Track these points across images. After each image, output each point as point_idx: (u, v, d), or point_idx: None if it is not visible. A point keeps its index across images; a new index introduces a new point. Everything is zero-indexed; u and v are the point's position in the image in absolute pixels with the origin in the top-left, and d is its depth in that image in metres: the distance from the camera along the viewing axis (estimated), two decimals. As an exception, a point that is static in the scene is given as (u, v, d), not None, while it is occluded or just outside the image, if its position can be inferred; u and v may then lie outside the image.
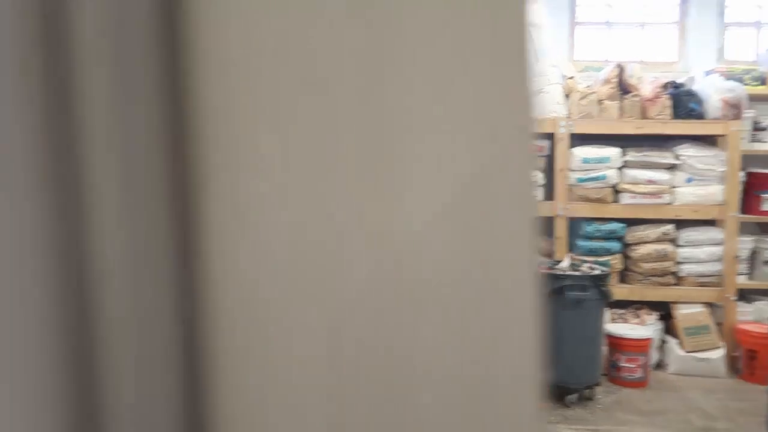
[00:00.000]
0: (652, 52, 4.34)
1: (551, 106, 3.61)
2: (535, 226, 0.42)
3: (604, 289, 3.04)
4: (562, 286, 2.98)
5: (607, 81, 3.69)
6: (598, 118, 3.62)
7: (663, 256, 3.57)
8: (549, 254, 3.55)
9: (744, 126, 3.74)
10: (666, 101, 3.63)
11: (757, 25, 4.32)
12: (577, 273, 3.09)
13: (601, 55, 4.32)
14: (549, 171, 3.63)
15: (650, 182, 3.60)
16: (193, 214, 0.37)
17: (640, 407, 3.07)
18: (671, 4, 4.31)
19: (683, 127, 3.60)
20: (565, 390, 2.97)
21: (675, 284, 3.62)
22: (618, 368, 3.33)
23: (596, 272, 3.09)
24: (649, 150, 3.62)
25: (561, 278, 3.01)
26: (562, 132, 3.57)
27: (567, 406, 2.98)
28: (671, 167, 3.62)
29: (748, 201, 3.89)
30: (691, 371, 3.45)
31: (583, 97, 3.62)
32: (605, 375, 3.33)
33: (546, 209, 3.58)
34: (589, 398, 3.08)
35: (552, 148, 3.60)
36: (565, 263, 3.21)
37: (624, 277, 3.68)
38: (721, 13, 4.26)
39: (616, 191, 3.63)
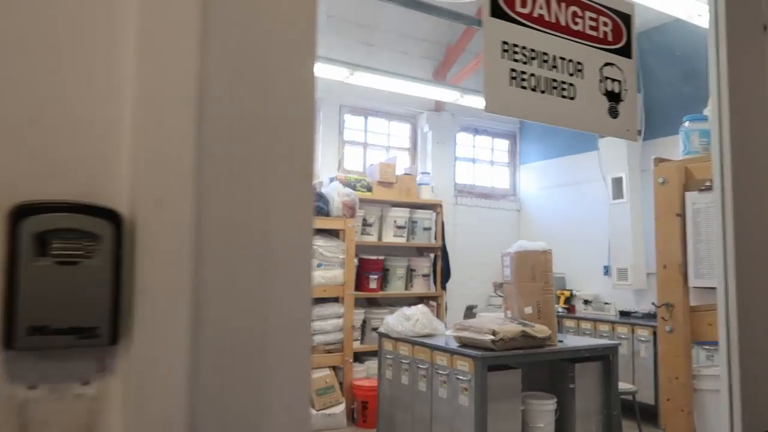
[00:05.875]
0: (291, 156, 5.20)
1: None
2: None
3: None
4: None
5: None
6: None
7: (299, 329, 4.22)
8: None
9: (357, 223, 4.81)
10: (302, 199, 4.42)
11: (365, 145, 5.64)
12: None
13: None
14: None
15: (290, 266, 4.26)
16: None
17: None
18: (305, 120, 5.29)
19: (314, 222, 4.44)
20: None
21: (308, 352, 4.30)
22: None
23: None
24: (289, 239, 4.31)
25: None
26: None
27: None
28: (306, 254, 4.37)
29: (360, 281, 4.96)
30: (320, 426, 4.11)
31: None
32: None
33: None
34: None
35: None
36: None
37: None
38: (342, 133, 5.44)
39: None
